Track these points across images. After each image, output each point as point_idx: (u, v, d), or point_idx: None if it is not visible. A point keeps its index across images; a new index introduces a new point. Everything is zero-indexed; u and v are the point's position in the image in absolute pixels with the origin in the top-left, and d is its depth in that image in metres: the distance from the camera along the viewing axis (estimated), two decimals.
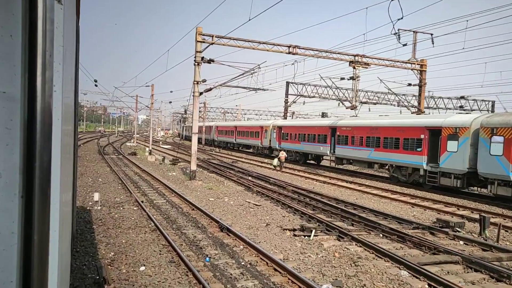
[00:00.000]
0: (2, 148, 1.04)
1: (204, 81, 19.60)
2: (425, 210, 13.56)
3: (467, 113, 18.89)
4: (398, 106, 36.66)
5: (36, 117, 1.07)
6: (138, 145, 46.87)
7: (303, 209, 12.17)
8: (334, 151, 25.12)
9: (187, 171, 21.17)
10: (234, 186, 17.27)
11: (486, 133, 15.26)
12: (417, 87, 26.29)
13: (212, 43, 19.41)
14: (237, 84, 30.77)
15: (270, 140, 34.30)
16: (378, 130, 21.16)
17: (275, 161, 25.64)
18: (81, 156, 27.26)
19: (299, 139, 29.18)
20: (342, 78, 23.93)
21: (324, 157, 29.40)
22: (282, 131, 32.00)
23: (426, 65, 25.35)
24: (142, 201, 12.61)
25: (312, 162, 30.02)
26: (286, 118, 39.73)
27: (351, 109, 23.97)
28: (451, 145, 16.65)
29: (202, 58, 19.27)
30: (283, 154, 25.82)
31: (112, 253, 7.53)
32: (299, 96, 37.18)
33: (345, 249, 8.34)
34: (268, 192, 15.38)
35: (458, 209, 13.77)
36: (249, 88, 28.82)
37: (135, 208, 11.80)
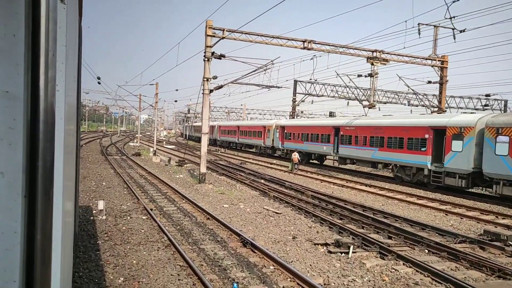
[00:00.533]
0: (5, 147, 1.04)
1: (214, 78, 18.25)
2: (462, 218, 12.25)
3: (471, 113, 18.76)
4: (417, 106, 34.93)
5: (39, 116, 1.06)
6: (142, 145, 45.78)
7: (329, 218, 11.05)
8: (337, 151, 25.07)
9: (195, 173, 20.51)
10: (248, 191, 16.14)
11: (491, 133, 15.18)
12: (437, 85, 24.81)
13: (223, 37, 18.08)
14: (248, 81, 29.02)
15: (273, 140, 34.28)
16: (382, 130, 21.07)
17: (290, 165, 24.41)
18: (83, 157, 26.12)
19: (302, 138, 29.12)
20: (360, 75, 22.67)
21: (327, 157, 29.32)
22: (285, 131, 31.96)
23: (447, 61, 23.94)
24: (151, 209, 11.35)
25: (315, 161, 29.96)
26: (294, 118, 38.76)
27: (369, 107, 22.86)
28: (456, 145, 16.57)
29: (213, 53, 17.88)
30: (295, 155, 24.33)
31: (122, 279, 6.39)
32: (307, 95, 36.13)
33: (393, 270, 7.17)
34: (286, 197, 14.25)
35: (497, 217, 12.49)
36: (262, 85, 26.31)
37: (144, 218, 10.59)
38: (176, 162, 26.05)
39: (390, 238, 9.44)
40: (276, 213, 11.90)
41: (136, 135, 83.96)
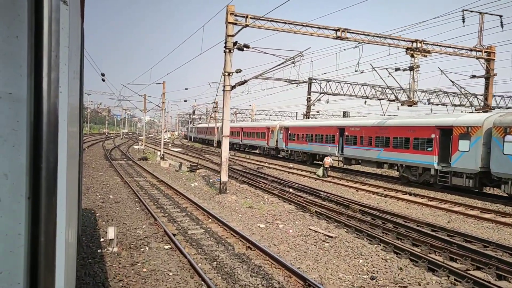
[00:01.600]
0: (9, 149, 1.04)
1: (238, 71, 15.79)
2: None
3: (478, 112, 18.60)
4: (459, 106, 31.47)
5: (42, 118, 1.06)
6: (147, 148, 44.02)
7: (401, 244, 8.75)
8: (342, 152, 25.00)
9: (211, 180, 19.12)
10: (280, 203, 13.84)
11: (499, 132, 15.04)
12: (480, 82, 22.27)
13: (246, 25, 15.71)
14: (272, 75, 25.48)
15: (276, 141, 34.31)
16: (387, 130, 20.97)
17: (320, 170, 21.93)
18: (86, 163, 24.07)
19: (307, 139, 29.09)
20: (398, 69, 20.31)
21: (332, 158, 29.22)
22: (289, 132, 31.96)
23: (494, 52, 21.46)
24: (174, 234, 9.08)
25: (320, 162, 29.89)
26: (308, 118, 36.71)
27: (408, 105, 20.47)
28: (463, 145, 16.45)
29: (235, 43, 15.33)
30: (328, 160, 22.00)
31: None
32: (322, 94, 34.53)
33: None
34: (330, 213, 12.05)
35: None
36: (290, 80, 22.29)
37: (166, 248, 8.23)
38: (187, 167, 24.05)
39: (501, 277, 7.18)
40: (329, 236, 9.49)
41: (140, 137, 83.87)
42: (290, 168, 26.47)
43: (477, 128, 16.00)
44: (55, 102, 1.08)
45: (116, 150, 39.51)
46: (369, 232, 9.81)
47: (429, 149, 18.23)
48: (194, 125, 73.19)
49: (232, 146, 47.60)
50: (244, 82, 16.53)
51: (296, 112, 69.51)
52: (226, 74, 15.65)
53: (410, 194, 16.45)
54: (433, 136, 18.07)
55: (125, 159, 29.76)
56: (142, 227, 9.97)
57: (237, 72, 15.83)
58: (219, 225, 10.33)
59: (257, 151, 41.15)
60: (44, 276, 1.05)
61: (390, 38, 19.15)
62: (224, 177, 15.73)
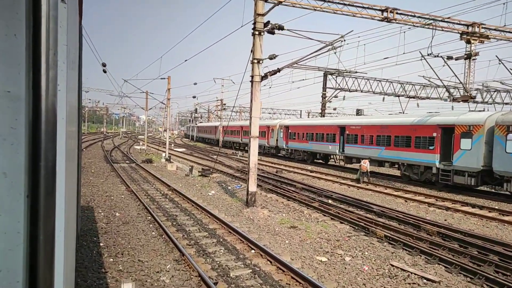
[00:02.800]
0: (7, 147, 1.04)
1: (272, 57, 13.22)
2: None
3: (480, 110, 18.56)
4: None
5: (41, 116, 1.06)
6: (149, 149, 41.23)
7: None
8: (343, 150, 24.99)
9: (229, 187, 16.96)
10: (329, 221, 11.18)
11: (501, 130, 15.02)
12: None
13: (279, 2, 13.37)
14: (304, 64, 20.62)
15: (276, 140, 34.37)
16: (388, 129, 20.95)
17: (358, 173, 19.78)
18: (85, 166, 21.50)
19: (307, 138, 29.09)
20: (450, 57, 17.52)
21: (332, 156, 29.24)
22: (290, 131, 31.98)
23: None
24: (215, 282, 6.34)
25: (320, 161, 29.93)
26: (323, 116, 34.49)
27: (464, 101, 18.05)
28: (465, 143, 16.43)
29: (266, 23, 12.65)
30: (365, 164, 19.23)
31: None
32: (338, 90, 31.95)
33: None
34: (401, 236, 9.30)
35: None
36: (330, 69, 18.67)
37: None
38: (199, 171, 21.25)
39: None
40: (428, 280, 6.82)
41: (140, 136, 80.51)
42: (310, 171, 23.59)
43: (479, 126, 15.97)
44: (53, 100, 1.08)
45: (116, 151, 36.84)
46: (483, 273, 6.89)
47: (430, 147, 18.21)
48: (196, 123, 71.83)
49: (232, 145, 47.67)
50: (278, 70, 13.40)
51: (300, 111, 67.63)
52: (256, 61, 12.89)
53: (481, 208, 13.29)
54: (434, 134, 18.05)
55: (127, 162, 26.96)
56: (166, 268, 6.99)
57: (270, 59, 13.19)
58: (269, 260, 7.45)
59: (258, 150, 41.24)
60: (43, 274, 1.05)
61: (443, 21, 16.27)
62: (252, 187, 13.03)
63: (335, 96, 33.41)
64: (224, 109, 56.01)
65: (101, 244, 8.32)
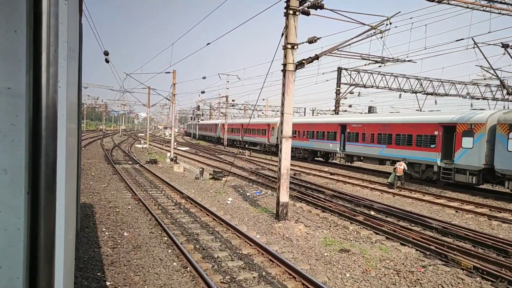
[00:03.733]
0: (8, 144, 1.04)
1: (313, 41, 11.14)
2: None
3: (481, 109, 18.55)
4: None
5: (41, 113, 1.06)
6: (151, 148, 38.72)
7: None
8: (344, 148, 24.99)
9: (247, 194, 14.85)
10: (386, 242, 9.08)
11: (503, 129, 15.01)
12: None
13: None
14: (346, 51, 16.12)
15: (277, 138, 34.41)
16: (390, 127, 20.93)
17: (391, 177, 17.23)
18: (84, 168, 19.41)
19: (308, 136, 29.10)
20: (506, 45, 15.21)
21: (331, 155, 29.26)
22: None
23: None
24: None
25: (320, 159, 29.97)
26: (337, 113, 32.40)
27: None
28: (466, 142, 16.42)
29: (302, 1, 10.76)
30: (401, 166, 17.02)
31: None
32: (353, 86, 30.02)
33: None
34: (486, 264, 7.29)
35: None
36: (374, 57, 15.70)
37: None
38: (210, 174, 19.01)
39: None
40: None
41: (139, 134, 77.71)
42: (331, 174, 21.49)
43: (481, 125, 15.94)
44: (54, 97, 1.08)
45: (117, 150, 34.64)
46: None
47: (432, 146, 18.20)
48: (199, 121, 70.29)
49: (232, 143, 47.66)
50: (316, 57, 11.27)
51: (305, 108, 65.88)
52: (289, 47, 10.82)
53: None
54: (436, 133, 18.03)
55: (130, 162, 24.71)
56: None
57: (310, 42, 11.15)
58: None
59: (257, 147, 41.22)
60: (43, 270, 1.05)
61: (501, 2, 14.09)
62: (284, 197, 10.94)
63: (351, 92, 31.29)
64: (232, 105, 52.73)
65: (108, 284, 6.09)
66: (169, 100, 29.73)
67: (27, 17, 1.05)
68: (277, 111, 66.50)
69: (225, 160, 27.75)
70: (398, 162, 17.56)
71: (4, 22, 1.03)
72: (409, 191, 16.52)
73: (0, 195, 1.03)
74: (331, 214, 11.79)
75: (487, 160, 15.55)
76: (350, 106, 41.48)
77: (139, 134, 78.71)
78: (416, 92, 30.39)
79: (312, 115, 57.28)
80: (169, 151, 30.52)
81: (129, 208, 11.66)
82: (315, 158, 29.90)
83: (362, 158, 24.00)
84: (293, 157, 31.14)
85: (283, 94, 11.30)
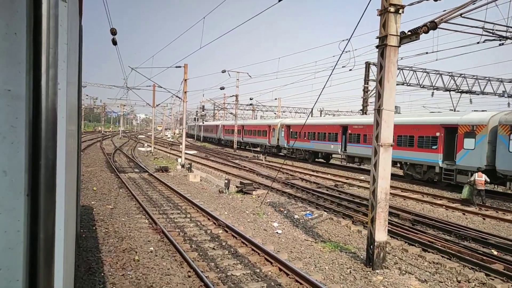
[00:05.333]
0: (8, 146, 1.04)
1: None
2: None
3: (482, 110, 18.55)
4: None
5: (41, 115, 1.06)
6: (156, 151, 35.51)
7: None
8: (345, 149, 25.01)
9: (295, 216, 11.72)
10: None
11: (505, 130, 15.04)
12: None
13: None
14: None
15: (278, 139, 34.51)
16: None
17: (466, 191, 14.07)
18: (85, 178, 16.62)
19: (309, 137, 29.14)
20: None
21: (334, 155, 29.28)
22: (291, 130, 32.09)
23: None
24: None
25: (321, 160, 30.02)
26: (365, 113, 29.31)
27: None
28: (468, 143, 16.44)
29: None
30: (482, 178, 13.89)
31: None
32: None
33: None
34: None
35: None
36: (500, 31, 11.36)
37: None
38: (237, 186, 15.71)
39: None
40: None
41: (140, 136, 74.46)
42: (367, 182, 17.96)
43: (483, 126, 15.97)
44: (53, 99, 1.08)
45: (119, 154, 31.41)
46: None
47: (434, 147, 18.21)
48: (203, 122, 68.03)
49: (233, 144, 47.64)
50: (434, 25, 7.40)
51: (312, 109, 64.83)
52: (392, 9, 7.40)
53: None
54: (438, 134, 18.05)
55: (136, 170, 20.99)
56: None
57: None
58: None
59: (258, 149, 41.28)
60: (43, 272, 1.05)
61: None
62: (381, 234, 7.65)
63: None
64: (251, 104, 48.35)
65: None
66: (179, 98, 25.85)
67: (27, 19, 1.06)
68: (289, 112, 62.71)
69: (244, 166, 24.17)
70: (477, 173, 14.11)
71: (4, 24, 1.04)
72: (494, 210, 13.15)
73: (0, 197, 1.03)
74: (442, 256, 8.22)
75: (489, 161, 15.59)
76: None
77: (139, 136, 77.06)
78: (449, 90, 27.60)
79: (320, 116, 56.68)
80: (177, 155, 29.00)
81: (151, 252, 7.84)
82: (316, 159, 29.94)
83: (363, 159, 24.01)
84: (293, 158, 31.26)
85: (379, 82, 7.75)
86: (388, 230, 8.78)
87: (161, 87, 27.03)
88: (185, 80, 24.59)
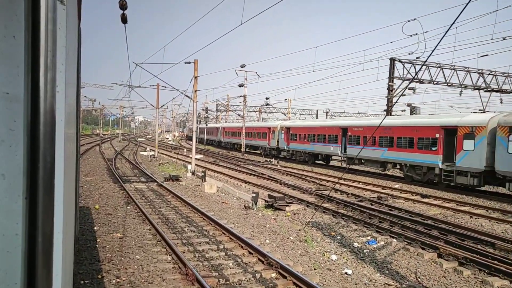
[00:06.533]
0: (6, 149, 1.04)
1: None
2: None
3: (482, 112, 18.63)
4: None
5: (40, 118, 1.06)
6: (160, 156, 32.68)
7: None
8: (345, 151, 25.07)
9: (354, 244, 9.19)
10: None
11: (503, 132, 15.10)
12: None
13: None
14: None
15: (278, 141, 34.57)
16: (391, 130, 21.00)
17: None
18: (84, 193, 14.10)
19: (309, 139, 29.23)
20: None
21: (333, 157, 29.33)
22: (291, 132, 32.16)
23: None
24: None
25: (321, 162, 30.08)
26: (390, 115, 27.15)
27: None
28: (468, 144, 16.51)
29: None
30: None
31: None
32: (414, 80, 24.47)
33: None
34: None
35: None
36: None
37: None
38: (266, 201, 12.94)
39: None
40: None
41: (139, 139, 71.73)
42: (422, 196, 15.44)
43: (482, 128, 16.03)
44: (52, 102, 1.08)
45: (121, 160, 29.04)
46: None
47: (433, 148, 18.26)
48: (206, 124, 63.56)
49: (233, 147, 47.61)
50: None
51: (317, 110, 59.88)
52: None
53: None
54: (437, 135, 18.11)
55: (143, 179, 18.42)
56: None
57: None
58: None
59: (258, 151, 41.28)
60: (41, 276, 1.05)
61: None
62: None
63: (410, 89, 25.41)
64: (267, 104, 44.19)
65: None
66: (189, 97, 22.96)
67: (25, 22, 1.06)
68: (300, 114, 58.85)
69: (261, 173, 21.55)
70: None
71: (2, 27, 1.04)
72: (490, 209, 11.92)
73: None
74: None
75: (488, 162, 15.66)
76: (409, 105, 30.84)
77: (139, 139, 75.91)
78: (478, 89, 25.34)
79: (326, 117, 56.00)
80: (183, 160, 27.17)
81: None
82: (316, 161, 30.02)
83: (363, 161, 24.06)
84: (293, 161, 31.31)
85: None
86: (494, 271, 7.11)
87: (168, 84, 25.26)
88: (196, 77, 21.92)
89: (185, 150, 40.84)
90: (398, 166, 21.41)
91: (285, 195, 14.40)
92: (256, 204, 12.88)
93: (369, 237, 9.83)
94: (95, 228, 9.64)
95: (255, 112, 58.40)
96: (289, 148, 32.36)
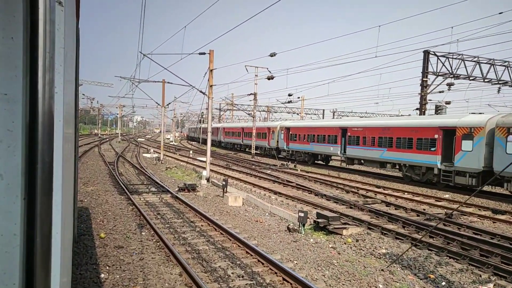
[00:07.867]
0: (4, 150, 1.04)
1: None
2: None
3: (480, 113, 18.71)
4: None
5: (38, 119, 1.06)
6: (165, 159, 29.96)
7: None
8: (344, 152, 25.13)
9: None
10: None
11: (501, 132, 15.18)
12: None
13: None
14: None
15: (277, 141, 34.61)
16: (390, 131, 21.08)
17: None
18: (82, 214, 10.67)
19: (308, 139, 29.27)
20: None
21: (333, 157, 29.36)
22: (290, 132, 32.20)
23: None
24: None
25: (320, 162, 30.12)
26: (424, 114, 24.15)
27: None
28: (466, 145, 16.59)
29: None
30: None
31: None
32: (442, 77, 21.83)
33: None
34: None
35: None
36: None
37: None
38: (315, 221, 10.31)
39: None
40: None
41: (139, 139, 70.10)
42: (501, 213, 12.62)
43: (480, 128, 16.11)
44: (50, 103, 1.08)
45: (123, 163, 25.99)
46: None
47: (432, 149, 18.33)
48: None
49: (233, 147, 47.60)
50: None
51: (323, 110, 57.92)
52: None
53: None
54: (436, 136, 18.18)
55: (153, 189, 15.54)
56: None
57: None
58: None
59: (257, 151, 41.29)
60: (39, 276, 1.05)
61: None
62: None
63: (448, 84, 22.76)
64: (290, 101, 39.26)
65: None
66: (203, 93, 19.24)
67: (23, 23, 1.06)
68: (312, 114, 56.11)
69: (288, 180, 18.68)
70: None
71: (0, 29, 1.04)
72: None
73: None
74: None
75: (486, 162, 15.77)
76: (447, 103, 27.47)
77: (138, 139, 74.71)
78: None
79: (333, 117, 55.32)
80: (192, 164, 25.02)
81: None
82: (315, 162, 30.08)
83: (362, 161, 24.13)
84: (293, 160, 31.35)
85: None
86: None
87: (178, 77, 20.80)
88: (211, 70, 18.19)
89: (190, 152, 37.68)
90: (397, 167, 21.47)
91: (329, 210, 11.75)
92: (303, 225, 10.26)
93: (491, 285, 6.59)
94: (102, 276, 6.34)
95: (264, 111, 54.38)
96: (289, 148, 32.41)
